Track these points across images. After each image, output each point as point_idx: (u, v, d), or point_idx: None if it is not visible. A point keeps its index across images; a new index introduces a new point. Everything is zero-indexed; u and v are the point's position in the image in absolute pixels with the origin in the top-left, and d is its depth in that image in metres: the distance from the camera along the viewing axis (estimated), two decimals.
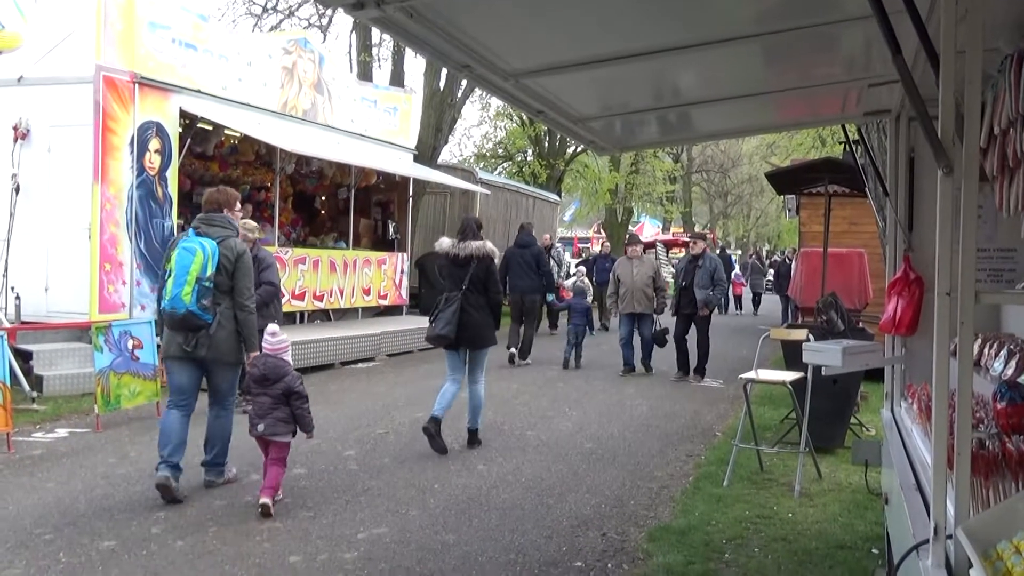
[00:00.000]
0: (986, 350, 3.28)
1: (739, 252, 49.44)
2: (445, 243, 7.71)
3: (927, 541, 2.21)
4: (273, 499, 5.45)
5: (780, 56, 3.80)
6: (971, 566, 1.98)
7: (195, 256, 5.70)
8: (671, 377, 11.76)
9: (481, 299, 7.48)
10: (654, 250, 25.53)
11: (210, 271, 5.72)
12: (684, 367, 11.84)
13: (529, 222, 15.18)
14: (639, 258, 12.37)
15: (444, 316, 7.36)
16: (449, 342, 7.41)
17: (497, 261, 7.91)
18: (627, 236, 17.70)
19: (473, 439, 7.53)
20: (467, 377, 7.56)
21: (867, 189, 6.14)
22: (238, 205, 6.31)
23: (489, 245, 7.69)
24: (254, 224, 8.20)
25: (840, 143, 13.73)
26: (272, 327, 5.79)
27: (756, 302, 27.78)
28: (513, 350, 12.74)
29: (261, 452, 5.69)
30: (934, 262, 2.25)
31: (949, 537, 2.10)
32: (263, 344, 5.68)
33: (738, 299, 28.25)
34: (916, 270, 4.25)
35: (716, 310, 12.27)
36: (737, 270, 30.09)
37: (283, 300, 12.74)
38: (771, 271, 29.97)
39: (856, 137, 6.02)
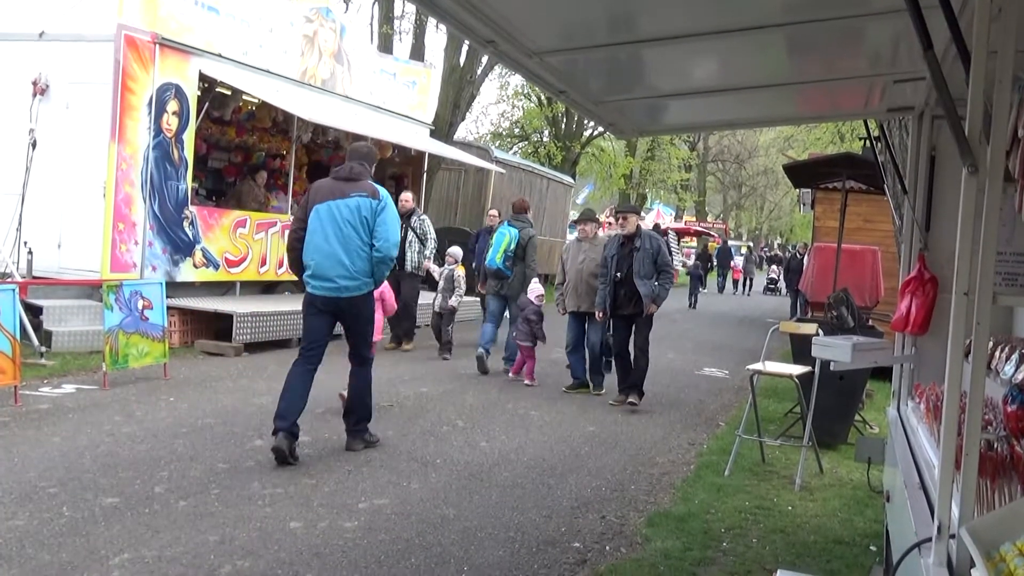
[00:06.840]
0: (997, 353, 3.27)
1: (750, 244, 49.34)
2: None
3: (930, 539, 2.21)
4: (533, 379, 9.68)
5: (807, 47, 3.76)
6: (973, 566, 1.98)
7: (505, 237, 10.22)
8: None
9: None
10: (666, 238, 25.49)
11: (512, 247, 10.15)
12: (631, 386, 8.88)
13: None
14: (590, 240, 9.59)
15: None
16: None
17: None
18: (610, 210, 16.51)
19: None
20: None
21: (885, 186, 6.11)
22: (530, 210, 11.01)
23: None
24: None
25: (860, 139, 13.67)
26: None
27: (746, 283, 34.76)
28: None
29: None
30: (949, 262, 2.24)
31: (952, 537, 2.10)
32: (534, 294, 9.86)
33: (735, 282, 34.74)
34: (931, 270, 4.23)
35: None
36: (736, 260, 35.75)
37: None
38: (773, 266, 34.25)
39: (877, 133, 5.99)
